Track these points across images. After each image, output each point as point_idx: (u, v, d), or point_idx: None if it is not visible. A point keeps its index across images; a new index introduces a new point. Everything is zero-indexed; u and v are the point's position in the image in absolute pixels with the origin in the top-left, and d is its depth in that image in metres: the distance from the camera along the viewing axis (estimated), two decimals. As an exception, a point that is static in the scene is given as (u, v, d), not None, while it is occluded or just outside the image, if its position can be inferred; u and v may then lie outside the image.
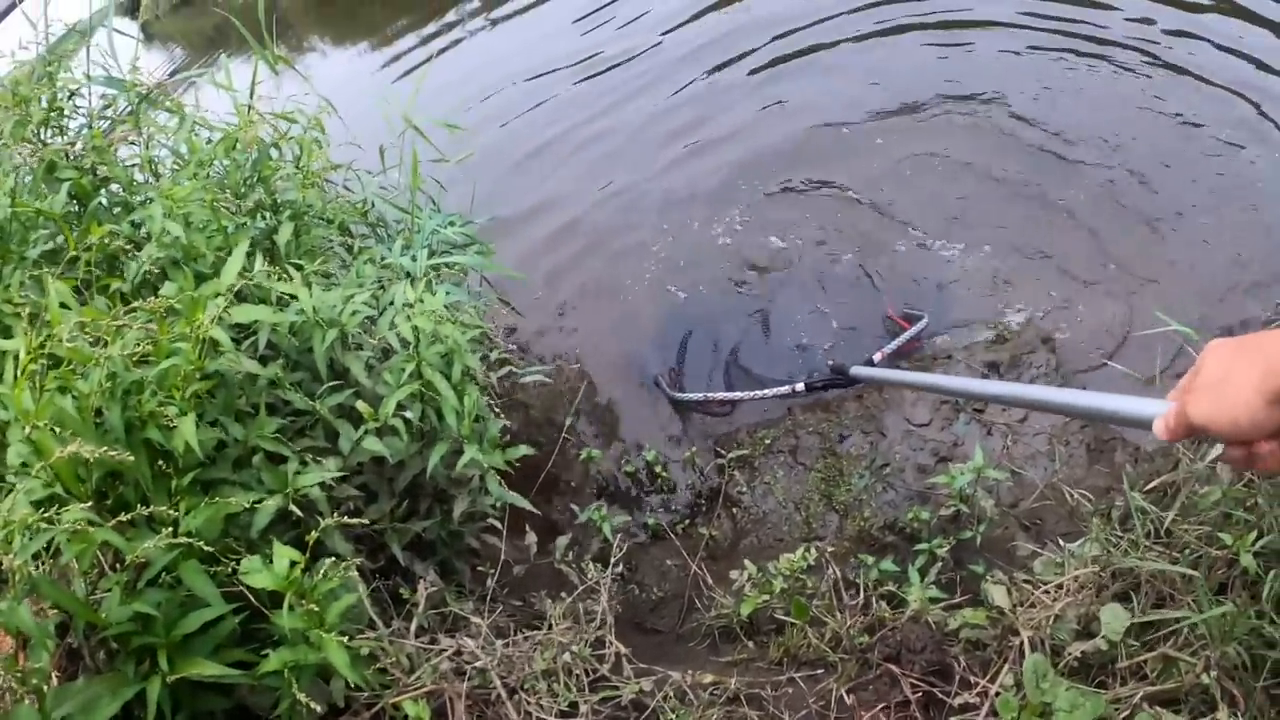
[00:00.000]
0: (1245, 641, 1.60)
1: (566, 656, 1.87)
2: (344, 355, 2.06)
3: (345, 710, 1.67)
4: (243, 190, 2.32)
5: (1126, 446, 2.77)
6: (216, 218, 2.07)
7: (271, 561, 1.45)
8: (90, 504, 1.36)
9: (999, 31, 4.78)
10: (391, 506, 2.12)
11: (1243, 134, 3.91)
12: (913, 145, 4.26)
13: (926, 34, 4.94)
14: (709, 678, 1.90)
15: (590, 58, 5.61)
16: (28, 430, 1.37)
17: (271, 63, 2.81)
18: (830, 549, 2.40)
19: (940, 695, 1.84)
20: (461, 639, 1.85)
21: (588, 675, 1.88)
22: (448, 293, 2.43)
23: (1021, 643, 1.82)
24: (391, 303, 2.11)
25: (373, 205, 2.94)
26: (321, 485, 1.77)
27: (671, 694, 1.85)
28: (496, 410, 2.29)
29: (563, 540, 2.48)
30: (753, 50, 5.20)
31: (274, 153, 2.49)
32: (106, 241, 1.95)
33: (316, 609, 1.44)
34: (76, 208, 2.21)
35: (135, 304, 1.61)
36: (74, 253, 1.84)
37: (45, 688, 1.26)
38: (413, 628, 1.84)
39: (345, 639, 1.48)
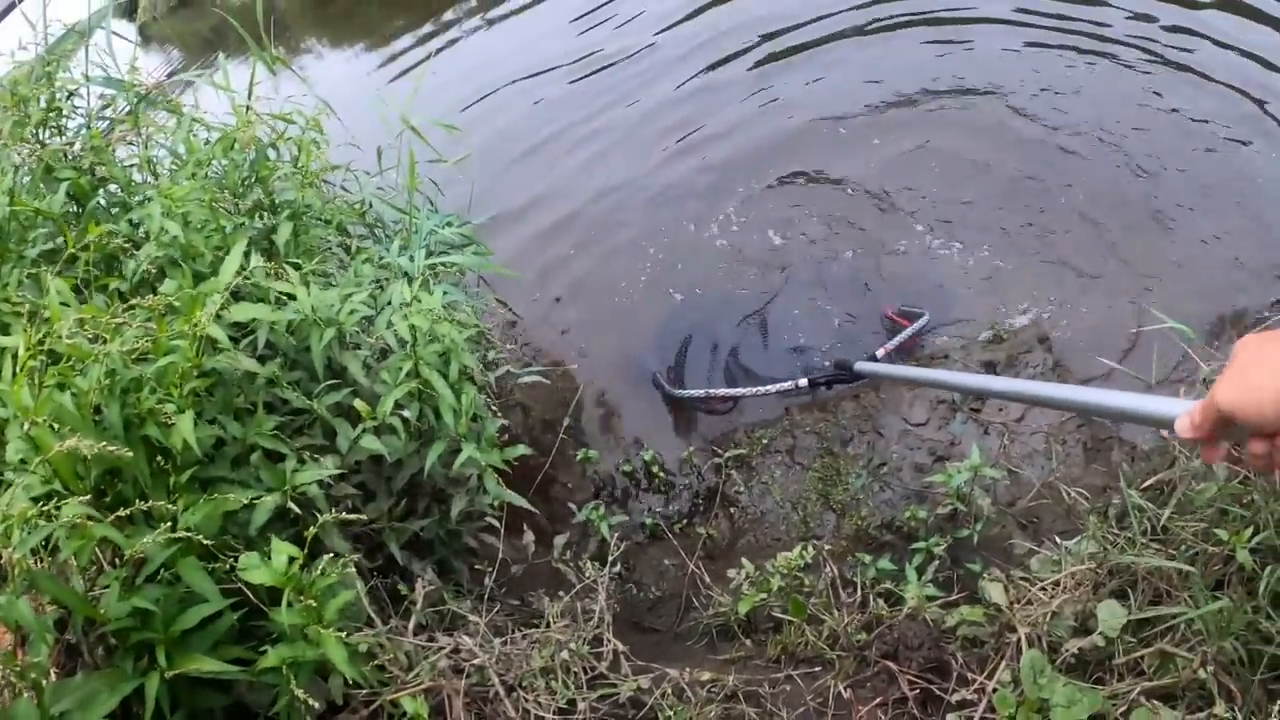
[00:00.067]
0: (1242, 636, 1.60)
1: (564, 654, 1.87)
2: (341, 354, 2.06)
3: (343, 708, 1.67)
4: (241, 190, 2.32)
5: (1123, 445, 2.78)
6: (215, 217, 2.08)
7: (270, 558, 1.45)
8: (89, 499, 1.36)
9: (999, 29, 4.79)
10: (389, 505, 2.12)
11: (1243, 131, 3.91)
12: (911, 143, 4.26)
13: (925, 31, 4.94)
14: (707, 675, 1.91)
15: (587, 56, 5.62)
16: (26, 427, 1.37)
17: (269, 64, 2.81)
18: (828, 548, 2.40)
19: (938, 692, 1.85)
20: (460, 637, 1.85)
21: (586, 673, 1.88)
22: (445, 292, 2.44)
23: (1019, 639, 1.83)
24: (389, 302, 2.11)
25: (370, 206, 2.95)
26: (320, 483, 1.77)
27: (669, 691, 1.85)
28: (494, 409, 2.29)
29: (560, 539, 2.48)
30: (750, 48, 5.21)
31: (271, 153, 2.50)
32: (104, 241, 1.96)
33: (315, 605, 1.44)
34: (75, 208, 2.21)
35: (134, 301, 1.61)
36: (72, 251, 1.84)
37: (44, 683, 1.26)
38: (411, 625, 1.84)
39: (343, 636, 1.49)
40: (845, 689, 1.86)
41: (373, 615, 1.79)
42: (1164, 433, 2.24)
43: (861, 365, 2.81)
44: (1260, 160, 3.78)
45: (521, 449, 2.18)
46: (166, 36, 8.84)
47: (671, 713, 1.80)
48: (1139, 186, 3.79)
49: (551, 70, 5.62)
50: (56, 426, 1.39)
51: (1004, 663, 1.82)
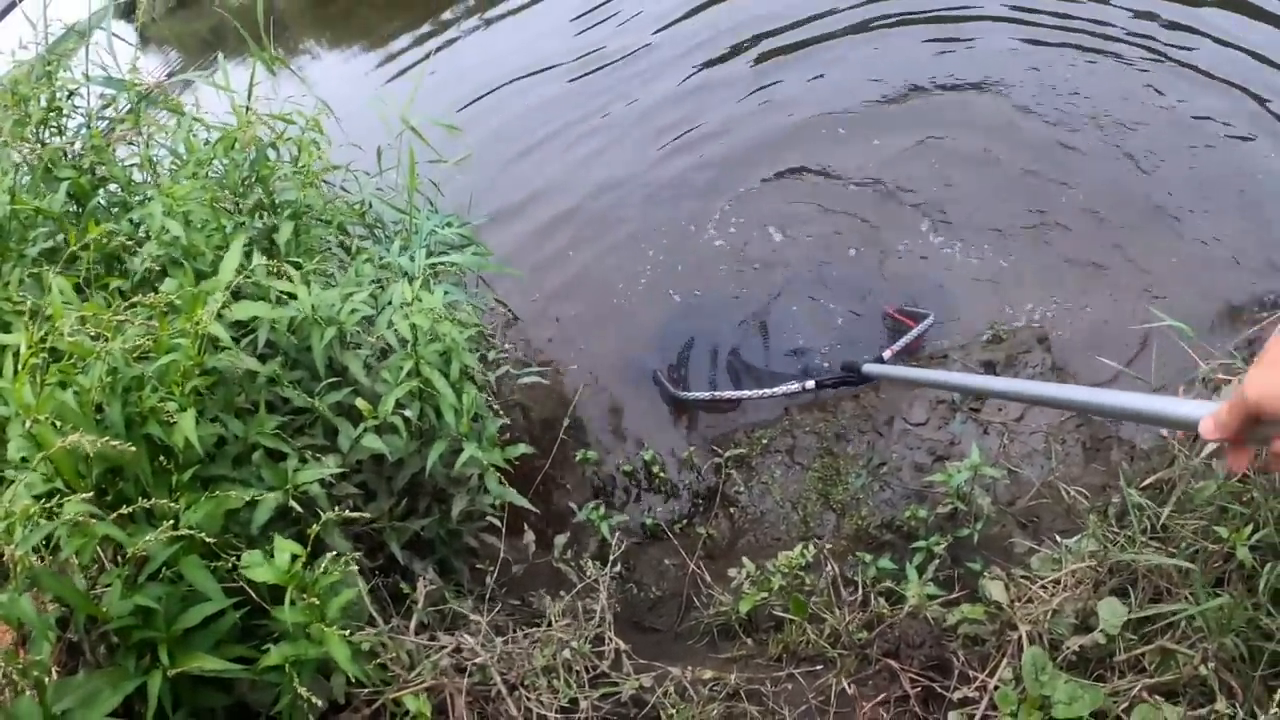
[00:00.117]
0: (1242, 633, 1.61)
1: (566, 653, 1.87)
2: (342, 354, 2.06)
3: (345, 707, 1.67)
4: (241, 190, 2.32)
5: (1122, 444, 2.79)
6: (216, 216, 2.07)
7: (272, 556, 1.45)
8: (91, 497, 1.35)
9: (999, 26, 4.80)
10: (390, 505, 2.12)
11: (1245, 129, 3.92)
12: (911, 141, 4.27)
13: (926, 29, 4.96)
14: (709, 674, 1.91)
15: (585, 56, 5.63)
16: (28, 424, 1.37)
17: (269, 64, 2.81)
18: (828, 547, 2.41)
19: (939, 690, 1.85)
20: (461, 636, 1.85)
21: (588, 672, 1.88)
22: (446, 292, 2.44)
23: (1020, 637, 1.83)
24: (390, 302, 2.11)
25: (370, 206, 2.95)
26: (321, 482, 1.77)
27: (672, 690, 1.85)
28: (495, 409, 2.29)
29: (561, 539, 2.48)
30: (749, 46, 5.22)
31: (271, 153, 2.49)
32: (105, 240, 1.95)
33: (317, 603, 1.44)
34: (74, 207, 2.21)
35: (136, 300, 1.60)
36: (74, 249, 1.84)
37: (46, 681, 1.26)
38: (412, 624, 1.84)
39: (346, 634, 1.48)
40: (849, 685, 1.86)
41: (374, 614, 1.78)
42: (1164, 432, 2.25)
43: (870, 367, 2.80)
44: (1262, 157, 3.78)
45: (523, 448, 2.18)
46: (165, 37, 8.84)
47: (674, 711, 1.80)
48: (1140, 185, 3.79)
49: (550, 69, 5.63)
50: (58, 424, 1.39)
51: (1005, 660, 1.82)
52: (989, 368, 3.20)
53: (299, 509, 1.67)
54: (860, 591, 2.16)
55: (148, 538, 1.38)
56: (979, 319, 3.42)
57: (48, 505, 1.31)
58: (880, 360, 3.16)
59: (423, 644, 1.79)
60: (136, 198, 2.24)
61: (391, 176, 2.98)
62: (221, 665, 1.40)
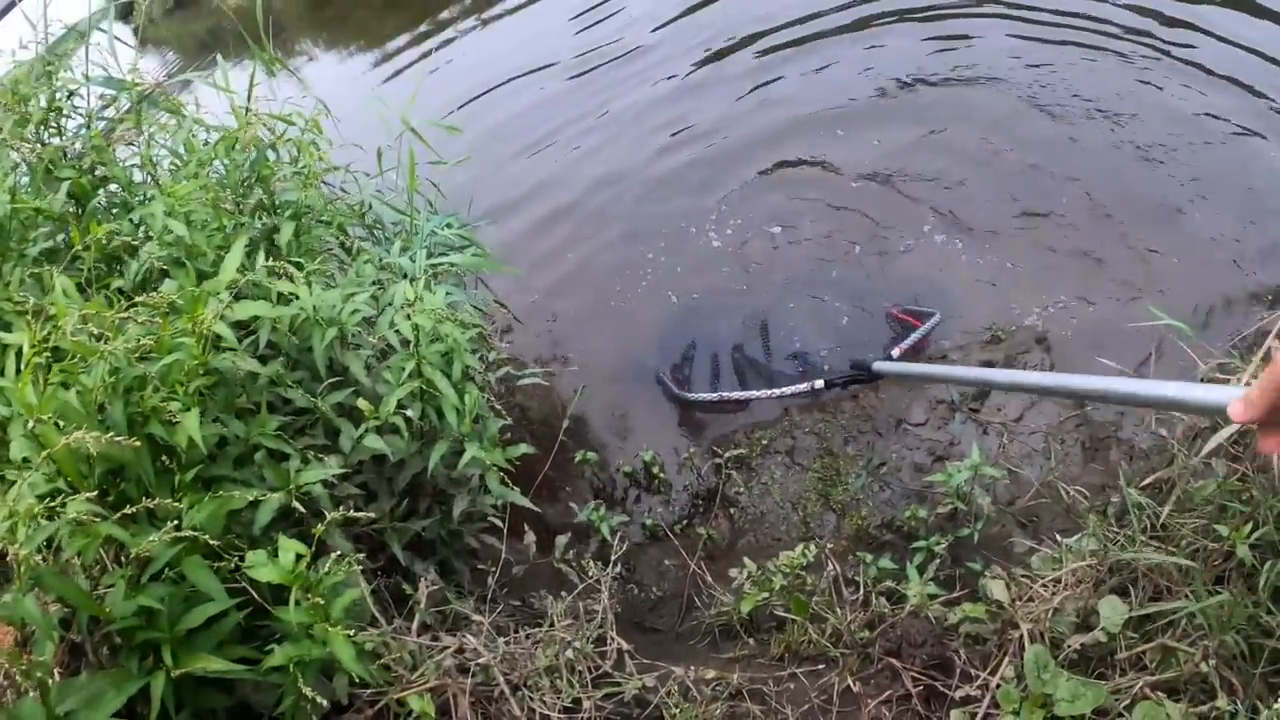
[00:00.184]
0: (1243, 630, 1.62)
1: (569, 653, 1.87)
2: (343, 354, 2.06)
3: (348, 708, 1.67)
4: (242, 190, 2.32)
5: (1121, 444, 2.80)
6: (218, 216, 2.07)
7: (276, 556, 1.45)
8: (94, 497, 1.35)
9: (999, 24, 4.81)
10: (391, 506, 2.12)
11: (1247, 126, 3.93)
12: (910, 140, 4.27)
13: (924, 27, 4.96)
14: (712, 673, 1.91)
15: (583, 54, 5.63)
16: (31, 424, 1.36)
17: (269, 65, 2.81)
18: (829, 547, 2.42)
19: (941, 688, 1.86)
20: (464, 636, 1.85)
21: (590, 672, 1.88)
22: (448, 293, 2.44)
23: (1021, 636, 1.84)
24: (391, 302, 2.11)
25: (370, 207, 2.95)
26: (324, 483, 1.77)
27: (675, 689, 1.85)
28: (497, 409, 2.29)
29: (562, 539, 2.49)
30: (747, 45, 5.22)
31: (271, 154, 2.49)
32: (105, 241, 1.95)
33: (322, 603, 1.44)
34: (74, 207, 2.20)
35: (139, 299, 1.60)
36: (78, 248, 1.84)
37: (49, 682, 1.25)
38: (414, 625, 1.84)
39: (350, 635, 1.48)
40: (854, 683, 1.87)
41: (377, 615, 1.78)
42: (1164, 431, 2.26)
43: (880, 365, 2.79)
44: (1266, 155, 3.79)
45: (524, 448, 2.18)
46: (163, 38, 8.82)
47: (677, 711, 1.80)
48: (1142, 183, 3.80)
49: (547, 68, 5.63)
50: (61, 424, 1.39)
51: (1007, 659, 1.83)
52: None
53: (301, 509, 1.67)
54: (861, 591, 2.16)
55: (151, 538, 1.37)
56: (979, 319, 3.42)
57: (51, 505, 1.31)
58: (889, 358, 3.15)
59: (425, 644, 1.79)
60: (137, 198, 2.23)
61: (391, 177, 2.98)
62: (225, 666, 1.40)
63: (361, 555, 1.91)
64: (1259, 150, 3.82)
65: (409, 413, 1.99)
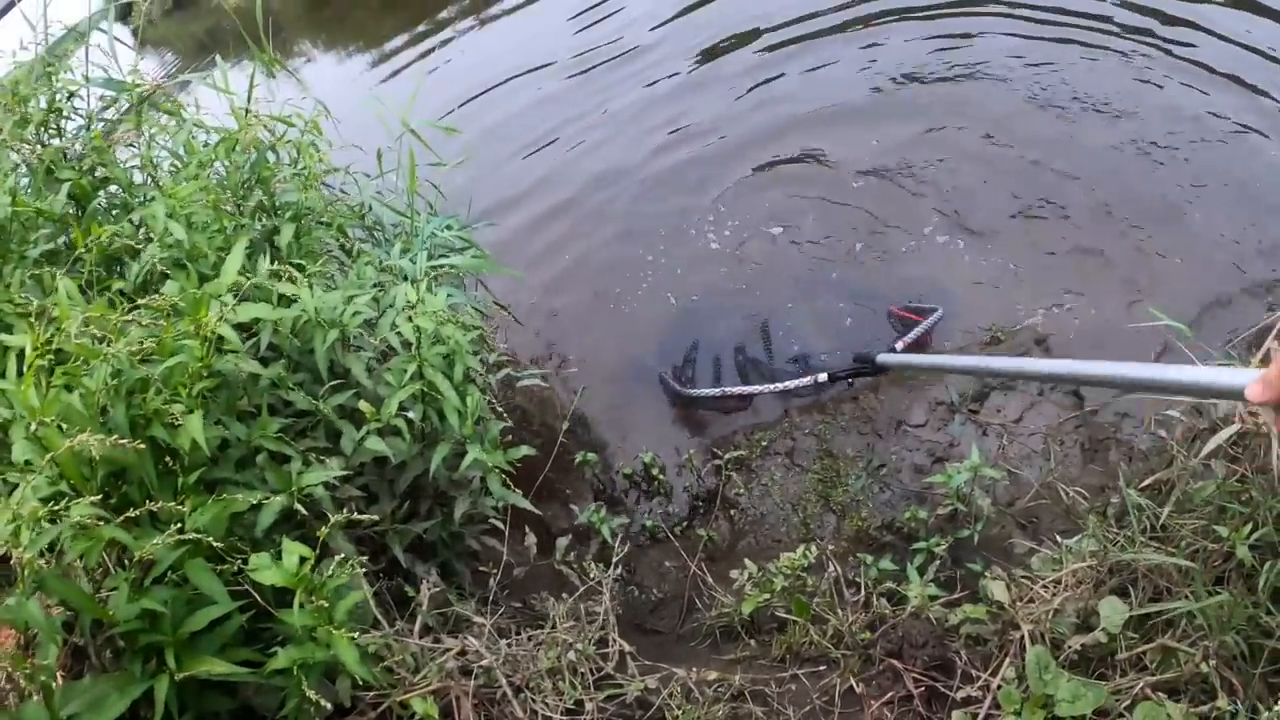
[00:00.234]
0: (1243, 631, 1.63)
1: (571, 655, 1.87)
2: (345, 356, 2.06)
3: (350, 711, 1.66)
4: (242, 192, 2.32)
5: (1120, 446, 2.80)
6: (218, 218, 2.07)
7: (280, 558, 1.45)
8: (97, 498, 1.35)
9: (998, 22, 4.82)
10: (393, 508, 2.12)
11: (1249, 125, 3.93)
12: (909, 138, 4.28)
13: (922, 25, 4.97)
14: (713, 675, 1.91)
15: (582, 54, 5.64)
16: (33, 427, 1.36)
17: (269, 66, 2.81)
18: (829, 549, 2.42)
19: (943, 689, 1.86)
20: (466, 638, 1.85)
21: (592, 673, 1.88)
22: (450, 294, 2.44)
23: (1022, 637, 1.84)
24: (392, 304, 2.11)
25: (370, 208, 2.94)
26: (326, 485, 1.76)
27: (677, 691, 1.85)
28: (498, 411, 2.29)
29: (563, 541, 2.49)
30: (746, 44, 5.23)
31: (271, 156, 2.49)
32: (107, 242, 1.95)
33: (326, 606, 1.44)
34: (74, 209, 2.20)
35: (141, 301, 1.60)
36: (80, 250, 1.83)
37: (53, 685, 1.25)
38: (416, 627, 1.84)
39: (353, 637, 1.48)
40: (856, 683, 1.87)
41: (379, 617, 1.78)
42: (1163, 432, 2.26)
43: (884, 357, 2.77)
44: (1265, 153, 3.80)
45: (525, 450, 2.18)
46: (160, 39, 8.81)
47: (679, 712, 1.81)
48: (1142, 182, 3.80)
49: (545, 67, 5.63)
50: (64, 427, 1.38)
51: (1008, 660, 1.84)
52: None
53: (303, 512, 1.66)
54: (862, 592, 2.17)
55: (154, 541, 1.37)
56: (980, 319, 3.42)
57: (54, 508, 1.30)
58: (893, 351, 3.14)
59: (428, 646, 1.79)
60: (138, 199, 2.23)
61: (390, 178, 2.98)
62: (229, 669, 1.39)
63: (363, 557, 1.92)
64: (1260, 148, 3.83)
65: (410, 415, 1.99)
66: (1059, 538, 2.13)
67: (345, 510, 1.65)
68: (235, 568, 1.49)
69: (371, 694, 1.65)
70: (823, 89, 4.73)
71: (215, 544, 1.42)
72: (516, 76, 5.64)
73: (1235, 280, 3.33)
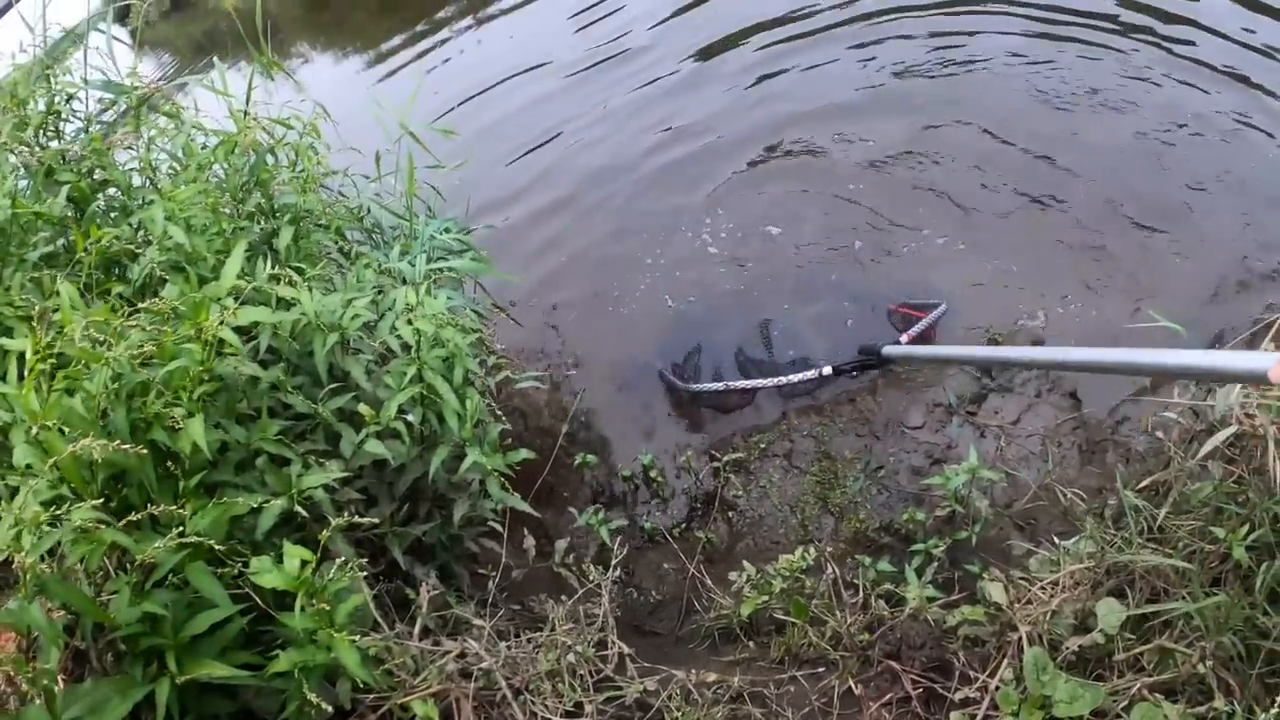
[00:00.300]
0: (1240, 632, 1.63)
1: (570, 657, 1.87)
2: (344, 359, 2.06)
3: (350, 713, 1.67)
4: (241, 194, 2.32)
5: (1118, 447, 2.81)
6: (218, 220, 2.07)
7: (280, 561, 1.45)
8: (98, 502, 1.35)
9: (997, 20, 4.83)
10: (392, 510, 2.12)
11: (1250, 123, 3.94)
12: (908, 137, 4.28)
13: (921, 23, 4.97)
14: (712, 676, 1.92)
15: (580, 53, 5.64)
16: (34, 431, 1.36)
17: (268, 68, 2.80)
18: (828, 550, 2.43)
19: (941, 691, 1.87)
20: (465, 641, 1.85)
21: (592, 675, 1.89)
22: (449, 297, 2.44)
23: (1020, 638, 1.85)
24: (391, 307, 2.12)
25: (368, 211, 2.94)
26: (325, 488, 1.77)
27: (676, 693, 1.86)
28: (497, 414, 2.29)
29: (562, 544, 2.49)
30: (744, 43, 5.24)
31: (269, 158, 2.49)
32: (107, 245, 1.95)
33: (327, 608, 1.44)
34: (74, 212, 2.20)
35: (141, 305, 1.60)
36: (80, 253, 1.83)
37: (55, 689, 1.25)
38: (416, 630, 1.84)
39: (354, 640, 1.48)
40: (854, 685, 1.88)
41: (379, 620, 1.78)
42: (1160, 433, 2.27)
43: (890, 349, 2.76)
44: (1266, 151, 3.80)
45: (524, 453, 2.18)
46: (158, 41, 8.80)
47: (678, 714, 1.81)
48: (1142, 180, 3.80)
49: (543, 66, 5.63)
50: (65, 430, 1.38)
51: (1005, 661, 1.84)
52: (984, 372, 3.23)
53: (304, 514, 1.67)
54: (860, 594, 2.17)
55: (155, 544, 1.37)
56: (980, 319, 3.42)
57: (55, 512, 1.30)
58: (897, 344, 3.13)
59: (427, 649, 1.79)
60: (136, 202, 2.23)
61: (389, 180, 2.98)
62: (230, 672, 1.40)
63: (363, 560, 1.92)
64: (1260, 145, 3.84)
65: (410, 418, 1.99)
66: (1057, 539, 2.13)
67: (345, 513, 1.66)
68: (236, 571, 1.50)
69: (372, 696, 1.65)
70: (821, 87, 4.74)
71: (216, 547, 1.43)
72: (514, 76, 5.65)
73: (1236, 278, 3.32)
